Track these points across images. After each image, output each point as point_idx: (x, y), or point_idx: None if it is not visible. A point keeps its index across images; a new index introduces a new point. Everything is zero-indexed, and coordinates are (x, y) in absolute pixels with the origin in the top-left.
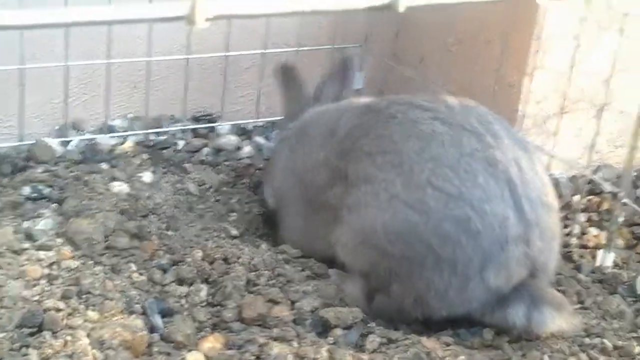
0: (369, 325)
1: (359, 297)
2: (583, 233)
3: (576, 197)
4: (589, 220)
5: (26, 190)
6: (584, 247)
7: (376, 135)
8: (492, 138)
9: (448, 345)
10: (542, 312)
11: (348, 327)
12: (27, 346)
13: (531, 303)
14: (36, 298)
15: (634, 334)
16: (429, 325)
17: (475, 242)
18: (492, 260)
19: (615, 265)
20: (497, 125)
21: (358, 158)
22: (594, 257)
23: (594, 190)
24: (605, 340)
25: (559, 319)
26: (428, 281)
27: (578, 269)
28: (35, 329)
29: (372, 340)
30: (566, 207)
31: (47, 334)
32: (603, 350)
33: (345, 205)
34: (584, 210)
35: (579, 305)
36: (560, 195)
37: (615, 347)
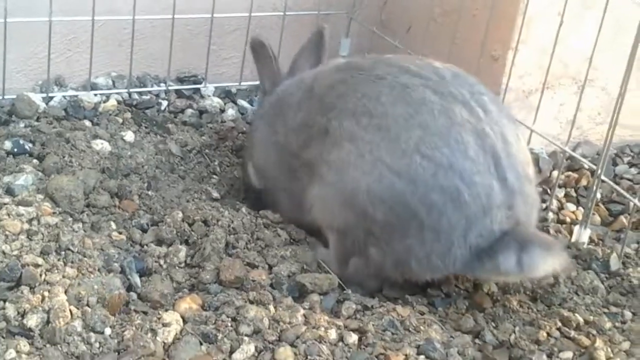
0: (345, 292)
1: (331, 260)
2: (560, 208)
3: (555, 173)
4: (566, 195)
5: (7, 144)
6: (561, 222)
7: (362, 94)
8: (482, 111)
9: (422, 314)
10: (532, 256)
11: (324, 293)
12: (5, 300)
13: (520, 248)
14: (15, 253)
15: (606, 310)
16: (404, 291)
17: (461, 211)
18: (476, 225)
19: (591, 241)
20: (486, 97)
21: (341, 115)
22: (570, 232)
23: (572, 166)
24: (577, 315)
25: (550, 260)
26: (409, 247)
27: None
28: (13, 284)
29: (348, 307)
30: (545, 182)
31: (24, 289)
32: (575, 325)
33: (325, 162)
34: (562, 186)
35: (552, 280)
36: (539, 171)
37: (587, 322)
